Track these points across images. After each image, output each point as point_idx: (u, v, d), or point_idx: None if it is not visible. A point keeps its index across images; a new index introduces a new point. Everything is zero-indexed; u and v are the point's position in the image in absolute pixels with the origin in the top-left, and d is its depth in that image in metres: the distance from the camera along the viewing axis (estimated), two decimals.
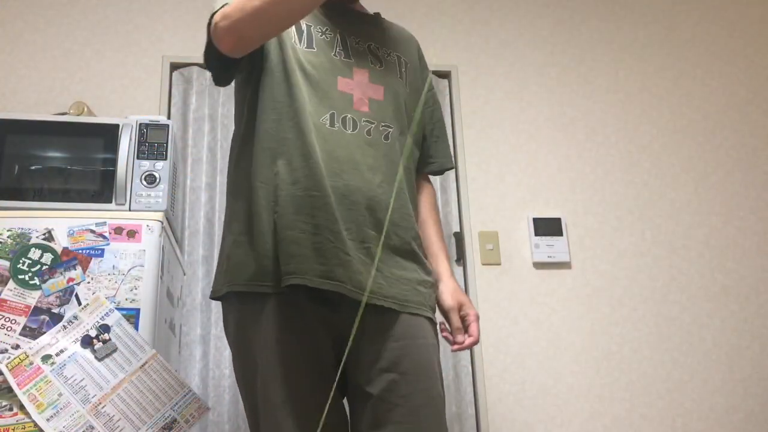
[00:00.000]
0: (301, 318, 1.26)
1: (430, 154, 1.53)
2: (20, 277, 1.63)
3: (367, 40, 1.44)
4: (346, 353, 1.19)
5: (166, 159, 1.92)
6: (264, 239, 1.26)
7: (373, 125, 1.34)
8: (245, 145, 1.36)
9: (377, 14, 1.54)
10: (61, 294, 1.63)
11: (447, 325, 1.41)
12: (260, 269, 1.26)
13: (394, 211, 1.31)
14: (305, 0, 1.19)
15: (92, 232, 1.70)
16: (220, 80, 1.37)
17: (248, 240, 1.29)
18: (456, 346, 1.38)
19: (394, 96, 1.40)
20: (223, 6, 1.24)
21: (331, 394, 1.17)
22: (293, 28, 1.36)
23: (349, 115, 1.33)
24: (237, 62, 1.30)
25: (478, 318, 1.40)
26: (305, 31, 1.38)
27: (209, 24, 1.26)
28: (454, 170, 2.75)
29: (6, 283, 1.62)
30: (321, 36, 1.39)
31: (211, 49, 1.28)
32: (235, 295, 1.30)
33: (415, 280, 1.33)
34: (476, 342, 1.39)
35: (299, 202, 1.26)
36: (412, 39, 1.56)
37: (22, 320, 1.59)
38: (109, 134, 1.93)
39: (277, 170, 1.28)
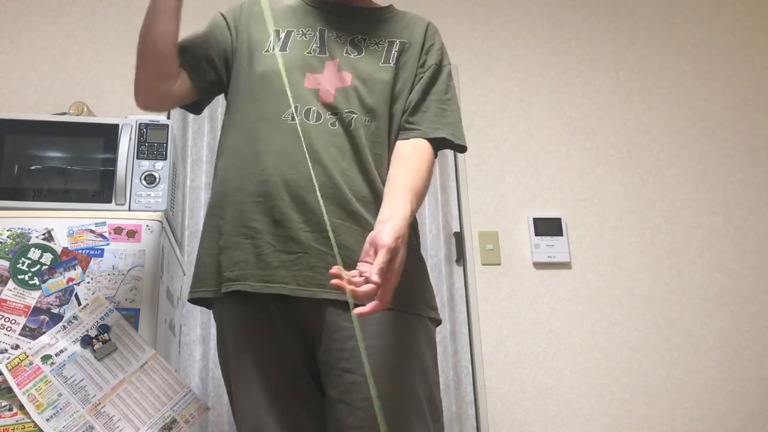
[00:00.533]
0: (267, 318, 1.27)
1: (410, 121, 1.38)
2: (20, 277, 1.63)
3: (353, 33, 1.42)
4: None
5: (165, 159, 1.91)
6: (214, 245, 1.32)
7: (336, 117, 1.32)
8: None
9: (388, 6, 1.51)
10: (60, 294, 1.63)
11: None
12: (211, 276, 1.31)
13: (358, 200, 1.29)
14: (154, 21, 1.33)
15: (92, 232, 1.70)
16: (192, 112, 1.50)
17: (204, 248, 1.36)
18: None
19: (365, 82, 1.36)
20: None
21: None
22: (271, 34, 1.38)
23: (313, 108, 1.32)
24: (196, 97, 1.44)
25: (384, 262, 1.09)
26: (282, 39, 1.40)
27: None
28: (454, 170, 2.75)
29: (6, 283, 1.61)
30: (300, 38, 1.40)
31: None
32: (209, 300, 1.35)
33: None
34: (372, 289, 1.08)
35: (242, 209, 1.29)
36: (421, 22, 1.49)
37: (22, 320, 1.59)
38: (108, 134, 1.93)
39: (228, 177, 1.34)
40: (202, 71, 1.40)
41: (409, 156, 1.33)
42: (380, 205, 1.26)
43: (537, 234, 2.65)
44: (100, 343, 1.58)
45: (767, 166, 2.87)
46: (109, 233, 1.70)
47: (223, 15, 1.47)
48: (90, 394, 1.52)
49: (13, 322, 1.58)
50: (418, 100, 1.40)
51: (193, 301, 1.38)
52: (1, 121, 1.91)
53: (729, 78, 2.98)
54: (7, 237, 1.66)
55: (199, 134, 2.56)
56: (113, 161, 1.89)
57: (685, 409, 2.51)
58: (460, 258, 2.61)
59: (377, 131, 1.35)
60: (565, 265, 2.64)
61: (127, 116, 1.98)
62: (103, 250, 1.68)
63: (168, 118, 2.53)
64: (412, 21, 1.49)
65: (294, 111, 1.30)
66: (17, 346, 1.56)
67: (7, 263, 1.63)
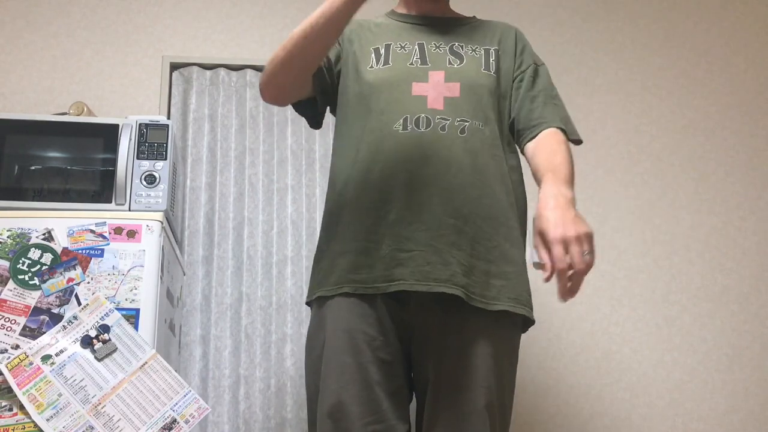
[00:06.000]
0: (373, 311, 1.34)
1: (530, 118, 1.47)
2: (20, 277, 1.63)
3: (450, 42, 1.50)
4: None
5: (165, 159, 1.92)
6: (331, 250, 1.41)
7: (447, 121, 1.39)
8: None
9: (472, 17, 1.60)
10: (60, 294, 1.63)
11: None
12: (326, 277, 1.39)
13: (472, 201, 1.36)
14: (318, 38, 1.35)
15: (92, 232, 1.70)
16: (311, 125, 1.59)
17: (321, 253, 1.46)
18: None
19: (473, 90, 1.43)
20: None
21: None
22: (371, 53, 1.48)
23: (422, 115, 1.38)
24: (311, 107, 1.53)
25: (560, 241, 1.29)
26: (383, 53, 1.48)
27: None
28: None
29: (6, 283, 1.62)
30: (399, 50, 1.48)
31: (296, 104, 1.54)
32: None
33: (491, 272, 1.36)
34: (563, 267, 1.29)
35: (361, 214, 1.36)
36: (510, 29, 1.59)
37: (22, 320, 1.59)
38: (108, 134, 1.93)
39: (345, 187, 1.41)
40: (322, 77, 1.49)
41: (546, 141, 1.41)
42: (484, 204, 1.38)
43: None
44: (100, 343, 1.58)
45: (767, 166, 2.87)
46: (109, 233, 1.70)
47: None
48: (90, 394, 1.52)
49: (13, 322, 1.59)
50: (531, 99, 1.48)
51: (310, 303, 1.45)
52: (1, 121, 1.92)
53: (729, 78, 2.98)
54: (7, 237, 1.66)
55: (199, 134, 2.56)
56: (113, 161, 1.89)
57: (685, 409, 2.51)
58: None
59: (491, 135, 1.42)
60: None
61: (127, 116, 1.98)
62: (103, 250, 1.68)
63: (168, 118, 2.53)
64: (500, 28, 1.58)
65: (406, 120, 1.38)
66: (17, 346, 1.56)
67: (7, 263, 1.63)
